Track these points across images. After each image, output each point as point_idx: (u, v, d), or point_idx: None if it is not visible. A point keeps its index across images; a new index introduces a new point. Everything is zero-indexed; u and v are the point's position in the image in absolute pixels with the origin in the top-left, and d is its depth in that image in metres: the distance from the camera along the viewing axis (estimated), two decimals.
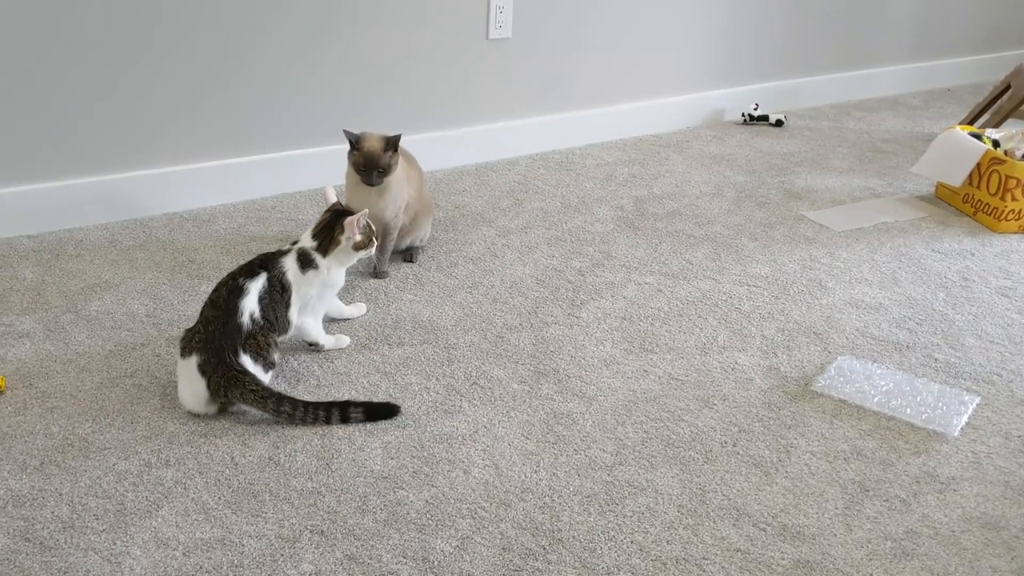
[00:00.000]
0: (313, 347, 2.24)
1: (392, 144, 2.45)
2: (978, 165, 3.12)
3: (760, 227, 3.04)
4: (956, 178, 3.17)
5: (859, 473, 1.93)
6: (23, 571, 1.60)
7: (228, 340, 1.96)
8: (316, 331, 2.21)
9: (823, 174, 3.53)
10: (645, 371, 2.24)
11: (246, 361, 1.97)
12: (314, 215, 2.94)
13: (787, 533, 1.76)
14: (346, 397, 2.08)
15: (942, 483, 1.91)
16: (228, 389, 1.94)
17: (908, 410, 2.12)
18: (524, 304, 2.51)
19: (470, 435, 1.99)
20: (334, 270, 2.17)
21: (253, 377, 1.96)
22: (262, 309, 2.03)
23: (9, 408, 2.00)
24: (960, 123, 3.65)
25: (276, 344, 2.07)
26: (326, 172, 3.09)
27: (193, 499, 1.77)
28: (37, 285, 2.49)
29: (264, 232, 2.83)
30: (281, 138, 3.07)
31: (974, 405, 2.16)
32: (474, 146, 3.45)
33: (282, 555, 1.65)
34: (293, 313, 2.11)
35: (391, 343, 2.30)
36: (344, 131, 2.46)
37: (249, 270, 2.07)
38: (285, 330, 2.11)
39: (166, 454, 1.88)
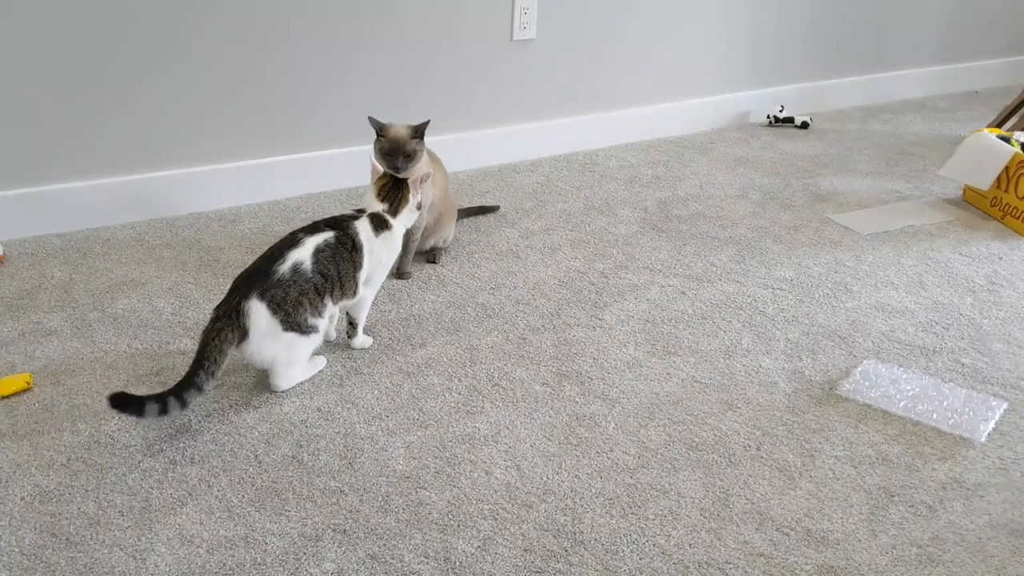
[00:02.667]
0: (350, 327, 2.27)
1: (418, 131, 2.46)
2: (1006, 168, 3.09)
3: (785, 230, 3.03)
4: (984, 181, 3.14)
5: (884, 478, 1.91)
6: (49, 567, 1.61)
7: (248, 281, 1.98)
8: (367, 309, 2.25)
9: (849, 177, 3.51)
10: (668, 374, 2.23)
11: (257, 309, 1.95)
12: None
13: (811, 538, 1.75)
14: (369, 397, 2.09)
15: (968, 489, 1.89)
16: (213, 326, 1.95)
17: (934, 415, 2.10)
18: (547, 306, 2.51)
19: (492, 436, 1.99)
20: (400, 232, 2.22)
21: (224, 336, 1.93)
22: (317, 263, 2.03)
23: (37, 405, 2.02)
24: (988, 126, 3.62)
25: (318, 308, 2.04)
26: (351, 173, 3.11)
27: (217, 497, 1.78)
28: (65, 283, 2.51)
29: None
30: (306, 139, 3.08)
31: (1001, 411, 2.14)
32: (498, 147, 3.46)
33: (305, 553, 1.66)
34: (362, 277, 2.14)
35: (413, 343, 2.31)
36: (369, 118, 2.47)
37: (313, 228, 2.10)
38: (352, 293, 2.13)
39: (191, 452, 1.90)
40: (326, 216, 2.19)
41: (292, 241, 2.05)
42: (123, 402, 1.84)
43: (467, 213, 2.99)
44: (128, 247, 2.72)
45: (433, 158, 2.66)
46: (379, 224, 2.16)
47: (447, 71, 3.27)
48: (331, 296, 2.07)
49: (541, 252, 2.81)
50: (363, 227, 2.13)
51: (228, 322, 1.94)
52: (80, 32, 2.64)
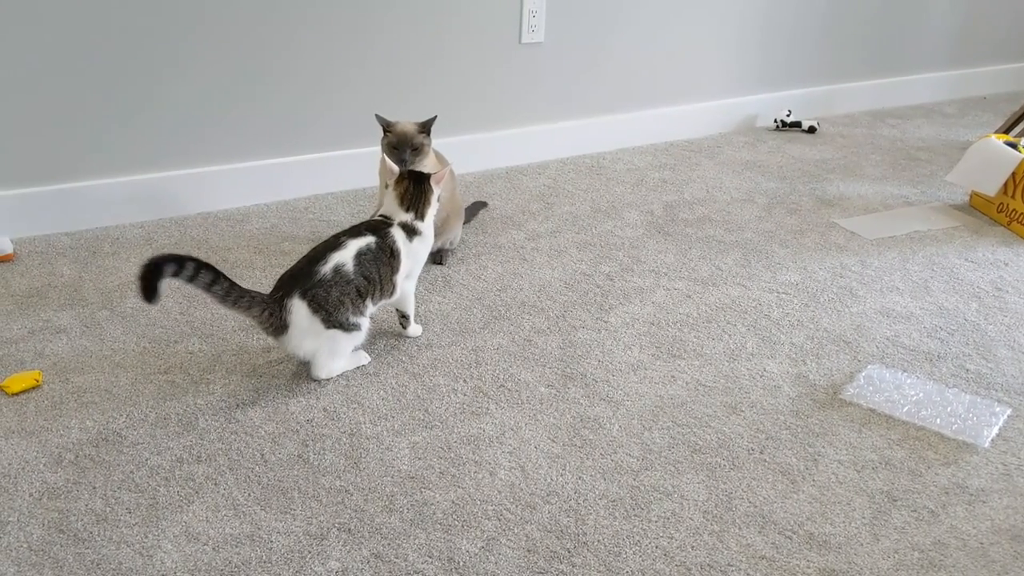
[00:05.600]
0: (403, 319, 2.33)
1: (425, 127, 2.51)
2: (1013, 174, 3.09)
3: (791, 234, 3.03)
4: (991, 187, 3.14)
5: (887, 483, 1.91)
6: (57, 562, 1.63)
7: (292, 281, 2.05)
8: (412, 301, 2.31)
9: (856, 181, 3.51)
10: (673, 376, 2.24)
11: (299, 307, 2.02)
12: (347, 216, 2.97)
13: (813, 541, 1.75)
14: (375, 398, 2.10)
15: (971, 494, 1.90)
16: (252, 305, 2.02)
17: (938, 420, 2.11)
18: (552, 308, 2.52)
19: (497, 437, 2.00)
20: (430, 228, 2.28)
21: (258, 311, 2.01)
22: (359, 265, 2.08)
23: (46, 402, 2.04)
24: (996, 132, 3.62)
25: (359, 308, 2.10)
26: (359, 174, 3.12)
27: (223, 495, 1.80)
28: (74, 282, 2.53)
29: (297, 232, 2.86)
30: (314, 140, 3.10)
31: (1005, 416, 2.14)
32: (505, 149, 3.47)
33: (310, 552, 1.67)
34: (400, 279, 2.20)
35: (419, 344, 2.32)
36: (376, 115, 2.52)
37: (355, 231, 2.15)
38: (390, 293, 2.19)
39: (197, 450, 1.91)
40: (353, 221, 2.24)
41: (335, 243, 2.10)
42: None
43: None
44: (137, 246, 2.74)
45: (440, 159, 2.67)
46: (411, 232, 2.21)
47: (455, 73, 3.28)
48: (372, 298, 2.13)
49: (547, 254, 2.82)
50: (399, 235, 2.19)
51: (269, 306, 2.02)
52: (89, 34, 2.66)
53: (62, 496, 1.78)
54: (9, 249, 2.62)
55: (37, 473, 1.83)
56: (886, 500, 1.87)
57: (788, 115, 4.03)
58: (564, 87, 3.52)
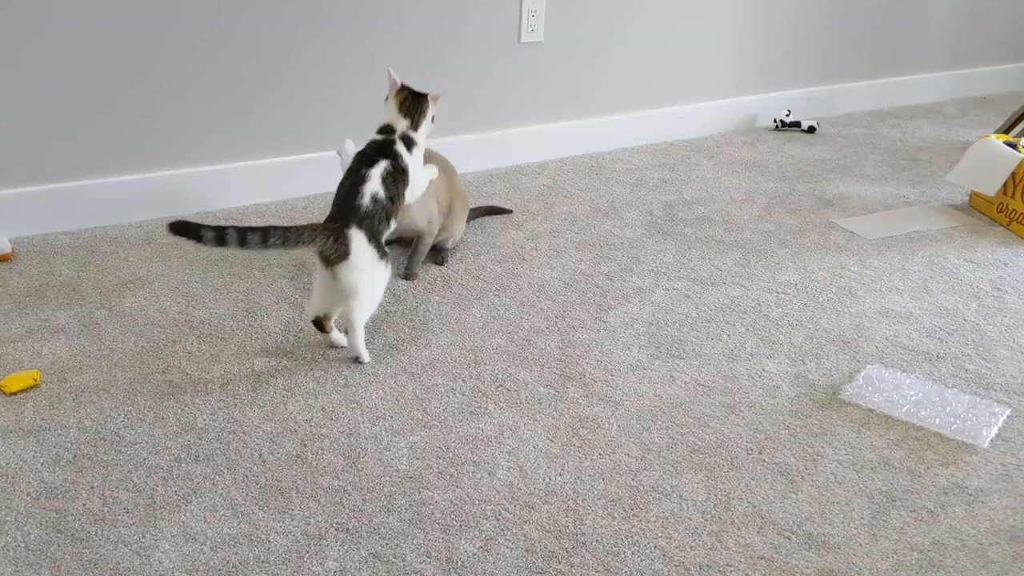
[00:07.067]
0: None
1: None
2: (1013, 175, 3.09)
3: (791, 234, 3.03)
4: (991, 187, 3.14)
5: (886, 483, 1.91)
6: (55, 562, 1.63)
7: (342, 215, 2.15)
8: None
9: (855, 181, 3.51)
10: (672, 377, 2.24)
11: (358, 236, 2.12)
12: None
13: (812, 542, 1.75)
14: (374, 397, 2.10)
15: (971, 495, 1.90)
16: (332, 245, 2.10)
17: (937, 420, 2.11)
18: (552, 308, 2.52)
19: (495, 437, 1.99)
20: (422, 150, 2.38)
21: (319, 240, 2.08)
22: (387, 188, 2.20)
23: (43, 402, 2.04)
24: (996, 132, 3.62)
25: (384, 232, 2.23)
26: None
27: (221, 495, 1.79)
28: (72, 281, 2.53)
29: None
30: (314, 140, 3.10)
31: (1005, 417, 2.14)
32: (505, 149, 3.47)
33: (308, 552, 1.67)
34: (406, 198, 2.32)
35: (418, 344, 2.32)
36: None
37: (368, 161, 2.23)
38: (397, 217, 2.28)
39: (195, 450, 1.91)
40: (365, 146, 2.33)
41: (360, 179, 2.19)
42: (183, 229, 1.99)
43: (477, 213, 3.01)
44: (136, 245, 2.74)
45: (441, 160, 2.67)
46: (409, 143, 2.32)
47: (455, 73, 3.28)
48: (393, 218, 2.24)
49: (547, 254, 2.81)
50: (402, 150, 2.30)
51: (333, 233, 2.09)
52: (88, 33, 2.65)
53: (60, 496, 1.77)
54: (7, 248, 2.62)
55: (35, 473, 1.83)
56: (885, 500, 1.86)
57: (788, 115, 4.03)
58: (564, 87, 3.52)
